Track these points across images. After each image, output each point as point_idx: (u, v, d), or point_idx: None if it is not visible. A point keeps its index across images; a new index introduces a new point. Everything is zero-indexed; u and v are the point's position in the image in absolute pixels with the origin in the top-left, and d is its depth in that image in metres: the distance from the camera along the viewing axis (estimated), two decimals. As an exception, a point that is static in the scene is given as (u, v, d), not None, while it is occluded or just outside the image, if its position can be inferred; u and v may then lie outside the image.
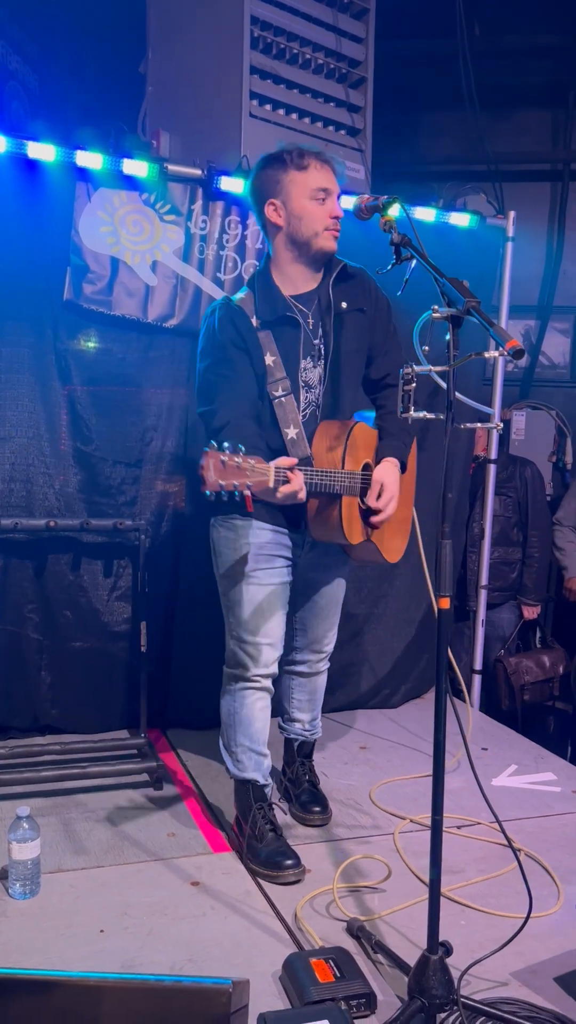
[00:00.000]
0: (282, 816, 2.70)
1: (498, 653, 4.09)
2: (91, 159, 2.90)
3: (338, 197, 2.37)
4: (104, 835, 2.56)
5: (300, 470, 2.13)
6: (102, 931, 2.08)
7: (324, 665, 2.78)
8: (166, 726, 3.40)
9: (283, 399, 2.36)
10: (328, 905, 2.23)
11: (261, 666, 2.45)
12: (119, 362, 3.16)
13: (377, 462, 2.49)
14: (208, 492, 1.93)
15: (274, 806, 2.56)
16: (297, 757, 2.82)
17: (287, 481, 2.08)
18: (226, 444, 1.94)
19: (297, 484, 2.10)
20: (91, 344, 3.12)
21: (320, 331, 2.42)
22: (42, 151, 2.83)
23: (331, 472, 2.30)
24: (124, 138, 3.11)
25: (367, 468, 2.46)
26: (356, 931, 2.09)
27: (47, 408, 3.08)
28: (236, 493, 1.96)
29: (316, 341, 2.42)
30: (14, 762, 2.84)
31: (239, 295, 2.42)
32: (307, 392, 2.43)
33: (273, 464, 2.03)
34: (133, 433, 3.22)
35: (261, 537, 2.43)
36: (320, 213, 2.32)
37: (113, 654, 3.27)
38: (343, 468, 2.34)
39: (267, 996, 1.85)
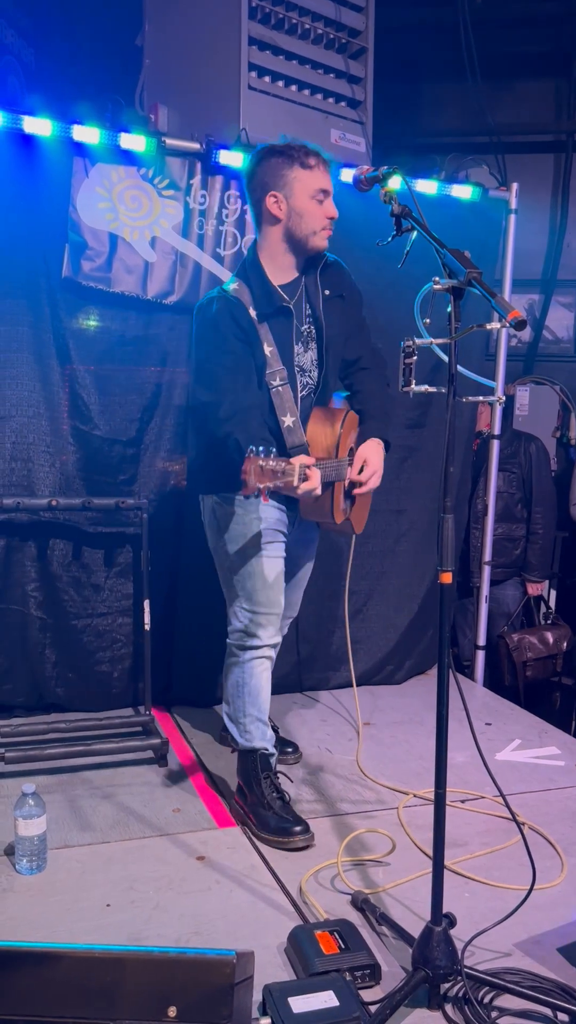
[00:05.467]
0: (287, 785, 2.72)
1: (501, 629, 4.09)
2: (88, 134, 2.87)
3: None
4: (110, 811, 2.58)
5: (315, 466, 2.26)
6: (108, 905, 2.10)
7: (287, 628, 2.91)
8: (170, 703, 3.41)
9: (280, 388, 2.46)
10: (333, 878, 2.25)
11: (270, 635, 2.55)
12: (119, 339, 3.13)
13: (360, 444, 2.61)
14: (246, 496, 2.07)
15: (279, 774, 2.59)
16: None
17: (306, 479, 2.19)
18: (260, 449, 2.02)
19: (315, 482, 2.21)
20: (90, 322, 3.10)
21: (307, 316, 2.53)
22: (39, 126, 2.80)
23: (331, 462, 2.44)
24: (121, 112, 3.08)
25: (351, 453, 2.59)
26: (360, 904, 2.11)
27: (46, 387, 3.06)
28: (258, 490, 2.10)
29: (304, 327, 2.53)
30: (20, 740, 2.85)
31: (231, 286, 2.50)
32: (303, 376, 2.54)
33: (297, 463, 2.12)
34: (134, 411, 3.20)
35: (271, 514, 2.53)
36: (319, 213, 2.43)
37: (116, 632, 3.28)
38: (337, 456, 2.48)
39: (272, 968, 1.87)
